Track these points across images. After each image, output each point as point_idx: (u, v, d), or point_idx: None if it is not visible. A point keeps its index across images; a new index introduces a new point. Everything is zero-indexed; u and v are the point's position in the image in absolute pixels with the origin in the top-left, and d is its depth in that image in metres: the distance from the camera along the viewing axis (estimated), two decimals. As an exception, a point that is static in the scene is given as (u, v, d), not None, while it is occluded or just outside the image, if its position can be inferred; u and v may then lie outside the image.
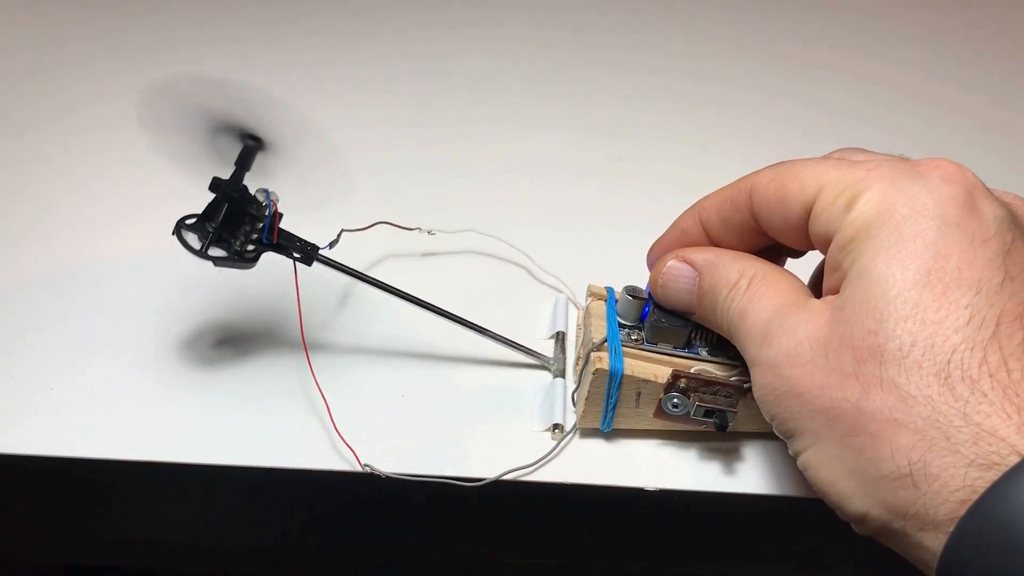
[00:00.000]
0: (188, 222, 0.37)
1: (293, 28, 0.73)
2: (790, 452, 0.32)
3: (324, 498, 0.41)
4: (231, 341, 0.45)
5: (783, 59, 0.70)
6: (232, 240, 0.37)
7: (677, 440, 0.41)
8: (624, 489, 0.39)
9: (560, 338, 0.46)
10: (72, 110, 0.63)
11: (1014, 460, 0.25)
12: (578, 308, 0.47)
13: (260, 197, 0.38)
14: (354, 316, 0.47)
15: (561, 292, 0.49)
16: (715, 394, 0.39)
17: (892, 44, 0.73)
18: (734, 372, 0.39)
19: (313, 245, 0.40)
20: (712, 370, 0.39)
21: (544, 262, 0.49)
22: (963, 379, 0.27)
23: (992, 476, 0.25)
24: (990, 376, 0.27)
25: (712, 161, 0.60)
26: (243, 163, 0.38)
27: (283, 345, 0.45)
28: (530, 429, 0.42)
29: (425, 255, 0.50)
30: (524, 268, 0.50)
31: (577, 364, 0.43)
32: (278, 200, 0.38)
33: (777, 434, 0.33)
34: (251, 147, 0.39)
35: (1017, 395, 0.26)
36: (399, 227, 0.46)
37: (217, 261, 0.37)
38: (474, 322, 0.42)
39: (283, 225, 0.39)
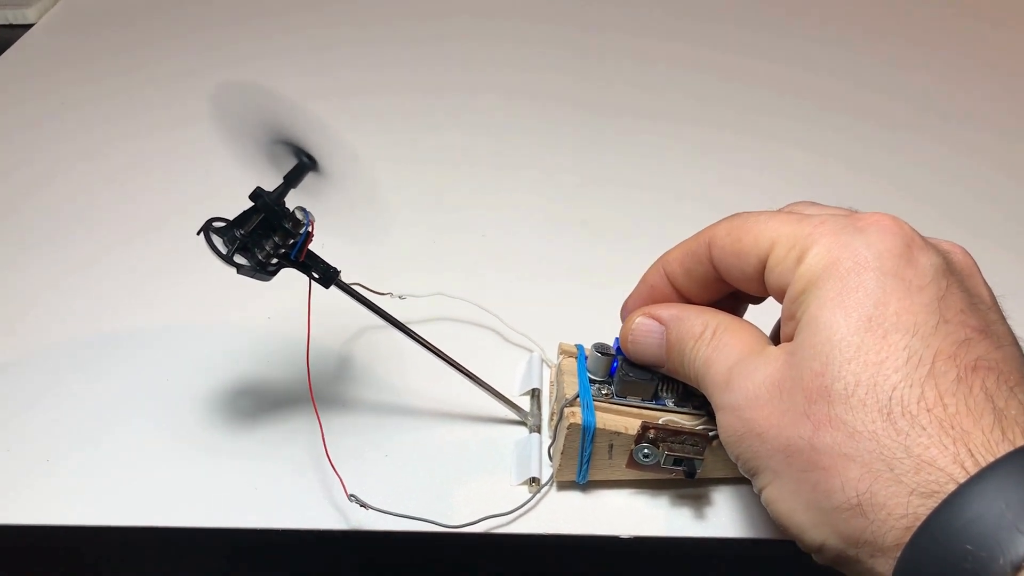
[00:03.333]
0: (216, 224, 0.37)
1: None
2: (754, 489, 0.34)
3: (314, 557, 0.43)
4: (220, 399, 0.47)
5: (745, 110, 0.74)
6: (257, 250, 0.38)
7: (649, 489, 0.43)
8: (600, 538, 0.41)
9: (535, 395, 0.48)
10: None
11: (951, 488, 0.28)
12: (550, 366, 0.49)
13: (299, 215, 0.39)
14: (348, 366, 0.48)
15: (532, 351, 0.51)
16: (683, 443, 0.41)
17: (858, 90, 0.77)
18: (700, 421, 0.42)
19: (335, 269, 0.40)
20: (679, 420, 0.42)
21: (515, 322, 0.51)
22: (903, 414, 0.29)
23: (932, 503, 0.28)
24: (928, 411, 0.29)
25: (675, 217, 0.62)
26: (291, 179, 0.39)
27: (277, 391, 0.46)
28: (508, 483, 0.43)
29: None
30: (495, 330, 0.52)
31: (552, 419, 0.45)
32: (315, 221, 0.39)
33: (743, 473, 0.35)
34: (304, 165, 0.39)
35: (952, 427, 0.29)
36: (372, 291, 0.47)
37: (240, 268, 0.38)
38: (465, 367, 0.44)
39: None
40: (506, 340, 0.52)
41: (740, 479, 0.43)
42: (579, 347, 0.46)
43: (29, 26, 0.90)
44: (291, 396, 0.48)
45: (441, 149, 0.70)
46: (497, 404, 0.46)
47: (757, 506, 0.42)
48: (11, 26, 0.90)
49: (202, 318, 0.54)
